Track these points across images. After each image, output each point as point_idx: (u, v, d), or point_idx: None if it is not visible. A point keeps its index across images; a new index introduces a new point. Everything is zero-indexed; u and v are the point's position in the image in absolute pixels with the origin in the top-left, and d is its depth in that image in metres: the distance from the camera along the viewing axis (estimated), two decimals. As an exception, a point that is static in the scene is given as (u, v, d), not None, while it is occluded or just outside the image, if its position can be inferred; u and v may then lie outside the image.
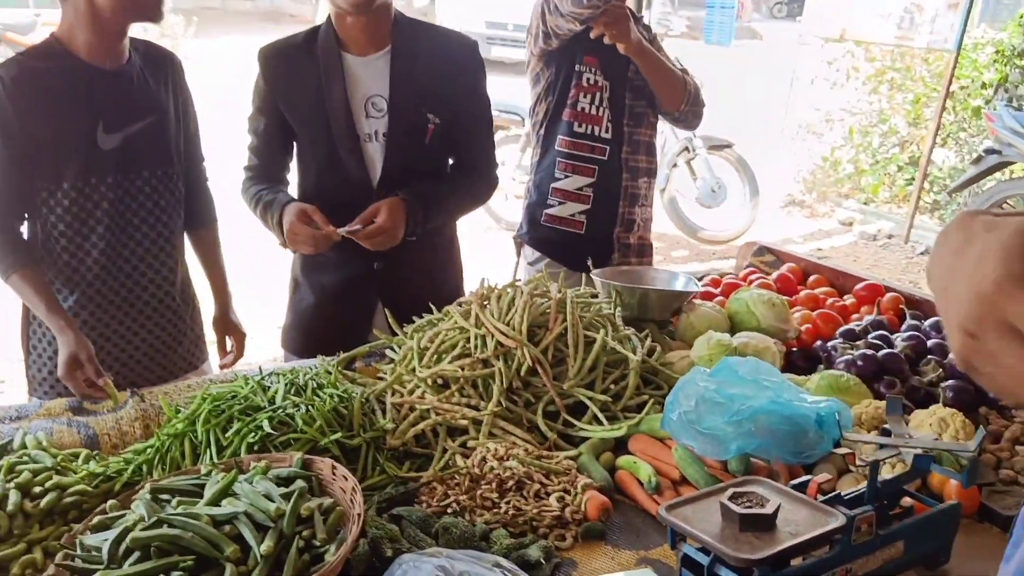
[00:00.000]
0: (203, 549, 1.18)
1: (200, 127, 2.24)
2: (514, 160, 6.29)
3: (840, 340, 2.00)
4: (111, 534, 1.21)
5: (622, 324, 1.94)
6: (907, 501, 1.35)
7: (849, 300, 2.31)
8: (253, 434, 1.51)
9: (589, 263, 2.24)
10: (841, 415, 1.52)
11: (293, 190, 2.28)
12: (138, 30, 2.03)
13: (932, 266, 0.67)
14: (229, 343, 2.35)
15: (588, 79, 2.59)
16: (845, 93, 7.81)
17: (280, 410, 1.57)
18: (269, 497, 1.28)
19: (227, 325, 2.32)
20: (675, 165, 6.21)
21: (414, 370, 1.80)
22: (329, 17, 2.14)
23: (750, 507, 1.19)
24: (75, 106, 1.90)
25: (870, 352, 1.89)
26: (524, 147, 6.11)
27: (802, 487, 1.30)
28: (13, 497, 1.35)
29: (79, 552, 1.22)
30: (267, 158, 2.24)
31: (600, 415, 1.72)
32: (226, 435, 1.51)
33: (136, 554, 1.18)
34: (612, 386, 1.80)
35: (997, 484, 1.57)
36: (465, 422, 1.69)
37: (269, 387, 1.67)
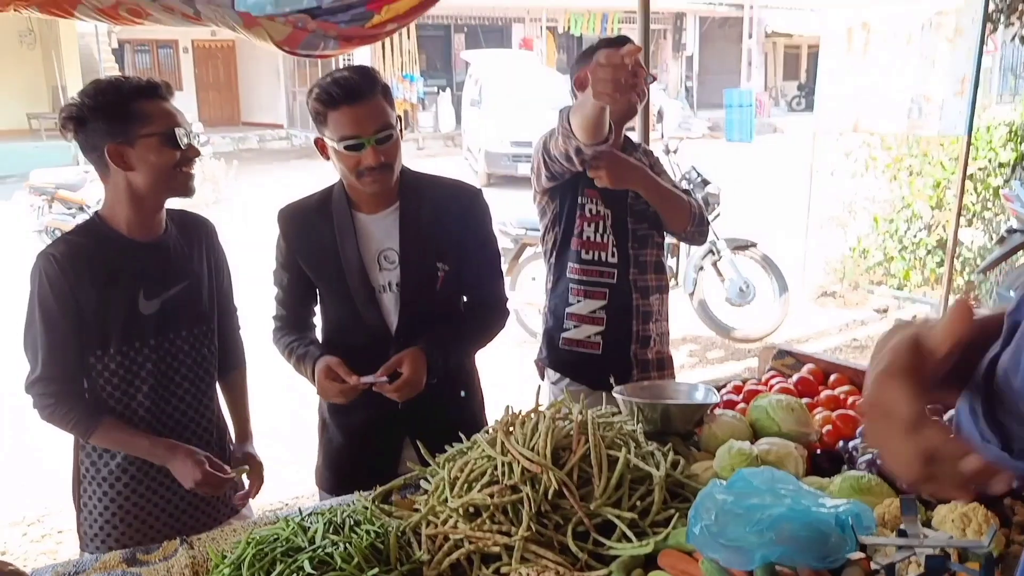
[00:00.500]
0: None
1: (234, 275, 2.41)
2: (543, 275, 6.42)
3: (860, 440, 2.04)
4: None
5: (644, 440, 2.01)
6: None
7: (870, 398, 2.35)
8: (295, 575, 1.59)
9: (612, 381, 2.32)
10: (861, 517, 1.56)
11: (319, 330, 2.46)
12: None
13: None
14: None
15: (590, 209, 2.73)
16: (865, 182, 7.92)
17: (320, 549, 1.66)
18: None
19: (246, 456, 2.39)
20: (701, 268, 6.32)
21: (446, 500, 1.88)
22: (341, 180, 2.33)
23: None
24: (118, 278, 2.08)
25: (889, 451, 1.92)
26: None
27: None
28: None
29: None
30: (292, 309, 2.43)
31: (628, 532, 1.77)
32: (270, 578, 1.59)
33: None
34: (639, 502, 1.86)
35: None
36: (498, 548, 1.76)
37: (309, 527, 1.76)
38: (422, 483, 2.07)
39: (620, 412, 2.16)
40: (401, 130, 2.26)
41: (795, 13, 26.57)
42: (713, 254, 6.28)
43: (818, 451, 2.13)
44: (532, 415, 1.98)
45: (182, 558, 1.82)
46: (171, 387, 2.17)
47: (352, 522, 1.78)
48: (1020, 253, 5.61)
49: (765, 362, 2.77)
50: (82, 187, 11.75)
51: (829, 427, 2.18)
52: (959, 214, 6.22)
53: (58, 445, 4.70)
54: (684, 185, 5.92)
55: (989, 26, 6.29)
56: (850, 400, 2.34)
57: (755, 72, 25.55)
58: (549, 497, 1.81)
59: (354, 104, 2.14)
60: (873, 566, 1.55)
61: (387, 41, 18.43)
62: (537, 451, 1.86)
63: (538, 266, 6.47)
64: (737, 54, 26.00)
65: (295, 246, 2.35)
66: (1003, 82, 21.46)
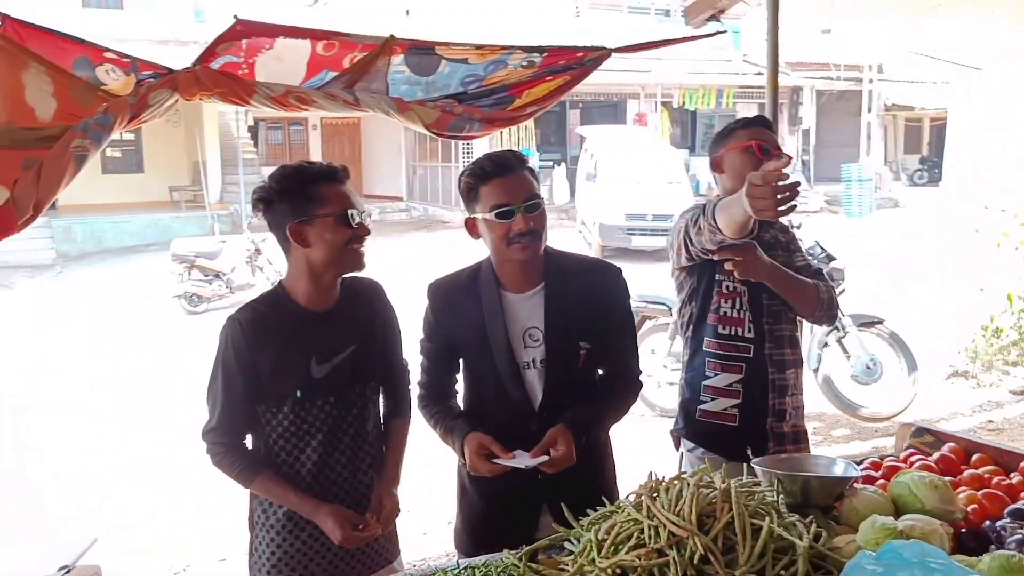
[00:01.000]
0: None
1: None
2: (663, 348, 6.47)
3: (1009, 520, 2.03)
4: None
5: (786, 511, 2.04)
6: None
7: (1016, 478, 2.32)
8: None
9: (748, 452, 2.36)
10: (1015, 596, 1.56)
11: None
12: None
13: None
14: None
15: (727, 286, 2.80)
16: (998, 258, 7.68)
17: (477, 602, 1.76)
18: None
19: (387, 494, 2.44)
20: (826, 344, 6.23)
21: (593, 560, 1.96)
22: (489, 259, 2.47)
23: None
24: (294, 344, 2.29)
25: (1041, 531, 1.91)
26: (673, 335, 6.30)
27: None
28: None
29: None
30: (437, 378, 2.56)
31: (773, 601, 1.81)
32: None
33: None
34: (782, 572, 1.89)
35: None
36: (645, 610, 1.82)
37: (466, 580, 1.87)
38: (566, 544, 2.16)
39: (760, 483, 2.20)
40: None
41: (917, 86, 26.08)
42: (838, 330, 6.20)
43: (963, 530, 2.11)
44: (676, 482, 2.05)
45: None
46: (335, 442, 2.35)
47: (506, 577, 1.88)
48: None
49: (903, 440, 2.75)
50: (218, 256, 12.50)
51: (975, 506, 2.16)
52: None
53: (198, 504, 4.97)
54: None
55: None
56: (995, 480, 2.32)
57: (874, 145, 25.08)
58: (695, 562, 1.87)
59: (504, 176, 2.31)
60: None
61: (505, 117, 19.03)
62: (683, 516, 1.92)
63: (657, 339, 6.52)
64: (855, 127, 25.60)
65: (444, 320, 2.49)
66: None
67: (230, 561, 4.48)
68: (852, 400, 6.32)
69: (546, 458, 2.26)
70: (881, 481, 2.34)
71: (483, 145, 20.87)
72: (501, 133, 20.98)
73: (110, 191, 21.07)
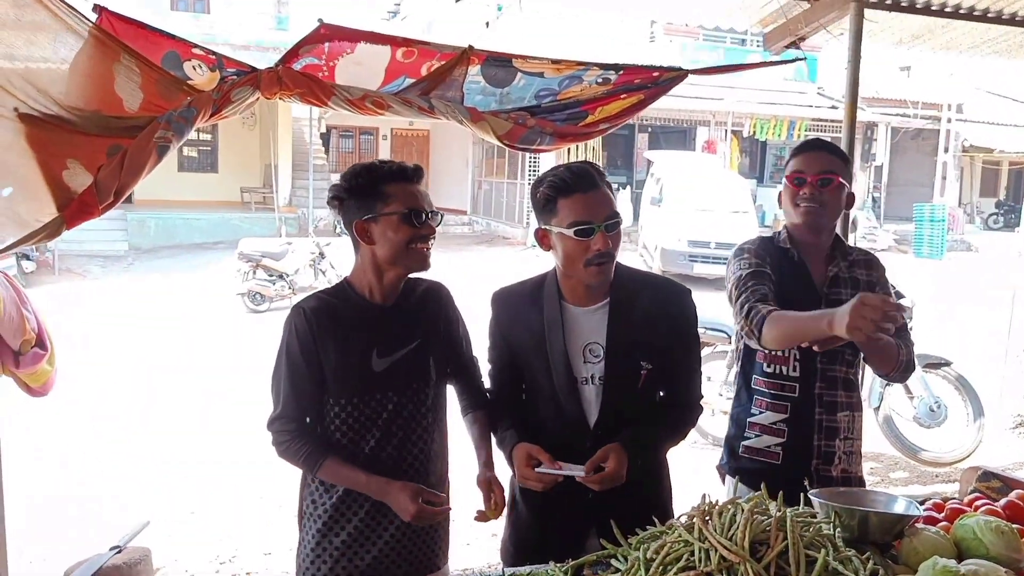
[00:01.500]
0: None
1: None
2: (720, 376, 6.39)
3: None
4: None
5: (842, 545, 1.99)
6: None
7: (1087, 531, 2.23)
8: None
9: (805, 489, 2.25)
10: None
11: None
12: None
13: None
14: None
15: None
16: (1075, 309, 7.43)
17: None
18: None
19: (491, 480, 2.40)
20: (888, 383, 6.08)
21: (641, 580, 1.93)
22: (555, 271, 2.44)
23: None
24: (356, 336, 2.32)
25: (1112, 587, 1.83)
26: (730, 364, 6.22)
27: None
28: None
29: None
30: (501, 386, 2.55)
31: (825, 635, 1.76)
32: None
33: None
34: (835, 607, 1.84)
35: None
36: (691, 633, 1.79)
37: (512, 587, 1.86)
38: (613, 562, 2.13)
39: (817, 514, 2.15)
40: None
41: (997, 128, 25.47)
42: (903, 370, 6.04)
43: (1028, 580, 2.03)
44: (730, 506, 2.02)
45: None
46: (390, 438, 2.35)
47: (553, 588, 1.86)
48: None
49: (968, 483, 2.68)
50: (284, 257, 12.72)
51: (1042, 556, 2.08)
52: None
53: (253, 499, 5.05)
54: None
55: None
56: (1065, 532, 2.22)
57: (949, 186, 24.51)
58: (745, 589, 1.83)
59: (586, 191, 2.24)
60: None
61: (573, 137, 19.06)
62: (735, 541, 1.89)
63: (715, 366, 6.43)
64: (930, 167, 25.07)
65: (505, 329, 2.49)
66: None
67: (275, 555, 4.54)
68: (913, 443, 6.14)
69: (583, 472, 2.23)
70: (943, 523, 2.27)
71: (550, 162, 20.92)
72: (568, 151, 20.99)
73: (185, 188, 21.66)
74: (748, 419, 2.81)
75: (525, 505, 2.53)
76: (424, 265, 2.35)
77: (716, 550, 1.88)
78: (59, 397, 3.53)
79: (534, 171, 21.25)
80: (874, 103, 23.14)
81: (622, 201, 21.53)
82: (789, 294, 2.71)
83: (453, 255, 17.24)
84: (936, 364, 6.16)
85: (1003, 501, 2.43)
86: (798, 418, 2.73)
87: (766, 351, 2.73)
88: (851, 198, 2.74)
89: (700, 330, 6.20)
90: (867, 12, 4.12)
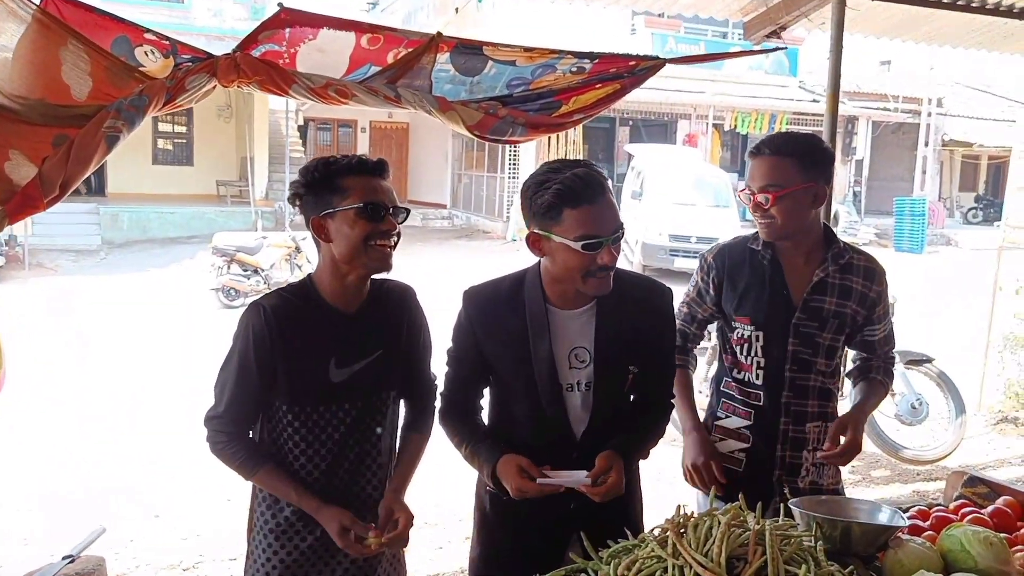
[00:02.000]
0: None
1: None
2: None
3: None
4: None
5: (824, 559, 1.89)
6: None
7: (1078, 540, 2.14)
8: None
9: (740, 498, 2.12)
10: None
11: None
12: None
13: None
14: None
15: (740, 333, 2.64)
16: (1057, 304, 7.39)
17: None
18: None
19: (396, 504, 2.26)
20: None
21: (611, 598, 1.82)
22: (538, 271, 2.27)
23: None
24: (314, 343, 2.17)
25: (1108, 604, 1.73)
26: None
27: None
28: None
29: None
30: (462, 393, 2.40)
31: (805, 658, 1.66)
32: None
33: None
34: (817, 627, 1.74)
35: None
36: (664, 657, 1.67)
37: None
38: (583, 576, 2.02)
39: (796, 526, 2.04)
40: None
41: (977, 122, 25.56)
42: (884, 366, 5.96)
43: (1018, 594, 1.94)
44: (706, 518, 1.91)
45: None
46: (347, 452, 2.22)
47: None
48: None
49: (953, 488, 2.58)
50: (258, 251, 12.55)
51: (1033, 568, 1.98)
52: None
53: (220, 500, 4.92)
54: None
55: None
56: (1056, 541, 2.13)
57: (929, 180, 24.59)
58: (721, 608, 1.72)
59: (594, 202, 2.08)
60: None
61: (553, 131, 18.98)
62: (711, 558, 1.78)
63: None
64: (910, 161, 25.12)
65: (480, 331, 2.29)
66: None
67: (241, 561, 4.39)
68: (894, 440, 6.06)
69: (589, 480, 2.12)
70: (929, 532, 2.17)
71: (530, 156, 20.85)
72: (548, 145, 20.88)
73: (159, 182, 21.39)
74: (715, 422, 2.73)
75: (497, 521, 2.39)
76: (384, 265, 2.19)
77: (691, 567, 1.78)
78: (18, 395, 3.37)
79: (514, 165, 21.14)
80: (855, 97, 23.16)
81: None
82: (758, 301, 2.60)
83: (433, 249, 17.12)
84: (918, 361, 6.09)
85: (990, 508, 2.34)
86: (761, 427, 2.63)
87: (732, 355, 2.67)
88: (821, 194, 2.52)
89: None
90: (849, 0, 4.01)
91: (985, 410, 7.11)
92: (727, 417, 2.69)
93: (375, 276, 2.27)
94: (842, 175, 23.60)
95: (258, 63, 2.84)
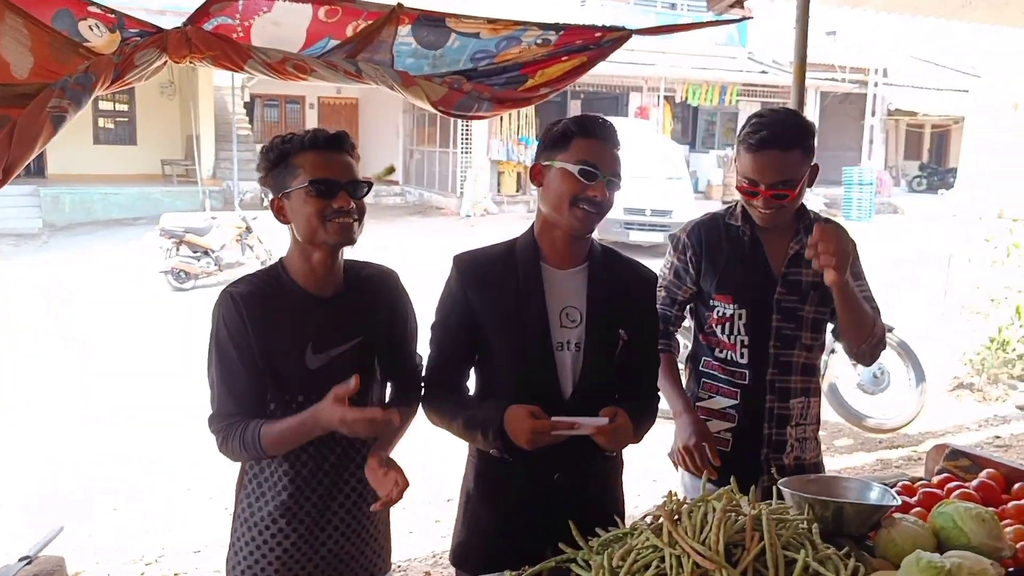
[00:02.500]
0: None
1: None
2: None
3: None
4: None
5: (820, 542, 1.84)
6: None
7: (1065, 512, 2.13)
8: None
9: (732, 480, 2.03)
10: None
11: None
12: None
13: None
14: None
15: (720, 312, 2.57)
16: (1008, 270, 7.51)
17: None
18: None
19: (388, 461, 2.11)
20: (833, 351, 6.03)
21: (606, 590, 1.76)
22: (532, 230, 2.27)
23: None
24: (288, 327, 2.07)
25: (1107, 578, 1.72)
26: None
27: None
28: None
29: None
30: (450, 367, 2.31)
31: (808, 645, 1.62)
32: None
33: None
34: (816, 612, 1.70)
35: None
36: (665, 650, 1.62)
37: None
38: (573, 567, 1.96)
39: (790, 509, 2.00)
40: None
41: (921, 92, 25.96)
42: (846, 336, 6.00)
43: (1010, 569, 1.92)
44: (701, 504, 1.85)
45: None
46: (331, 442, 2.12)
47: (510, 607, 1.67)
48: None
49: (935, 462, 2.57)
50: (208, 232, 12.25)
51: (1024, 543, 1.97)
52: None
53: (180, 490, 4.78)
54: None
55: None
56: (1043, 514, 2.12)
57: (876, 150, 24.94)
58: (720, 598, 1.67)
59: (605, 142, 2.17)
60: None
61: (506, 105, 18.86)
62: (709, 545, 1.72)
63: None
64: (857, 130, 25.45)
65: (472, 292, 2.23)
66: None
67: (205, 553, 4.28)
68: (857, 410, 6.13)
69: (606, 420, 2.06)
70: (918, 509, 2.15)
71: (483, 131, 20.68)
72: (501, 120, 20.75)
73: (101, 162, 20.78)
74: (697, 403, 2.66)
75: (482, 497, 2.31)
76: (346, 237, 2.07)
77: (689, 556, 1.72)
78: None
79: (466, 140, 20.95)
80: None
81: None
82: (740, 278, 2.56)
83: (386, 227, 16.89)
84: (878, 330, 6.13)
85: (975, 482, 2.33)
86: (748, 405, 2.58)
87: (711, 335, 2.60)
88: (815, 172, 2.51)
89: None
90: (813, -31, 3.96)
91: (942, 376, 7.21)
92: (710, 397, 2.63)
93: (353, 260, 2.18)
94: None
95: (211, 37, 2.71)
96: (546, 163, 2.19)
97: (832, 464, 5.64)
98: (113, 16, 2.64)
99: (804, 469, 2.62)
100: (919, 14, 5.28)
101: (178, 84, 21.49)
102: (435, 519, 4.65)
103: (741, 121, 25.69)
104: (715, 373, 2.62)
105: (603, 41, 3.27)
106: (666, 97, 22.85)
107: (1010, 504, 2.18)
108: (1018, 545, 1.97)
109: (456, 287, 2.25)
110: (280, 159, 2.07)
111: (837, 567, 1.78)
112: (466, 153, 20.90)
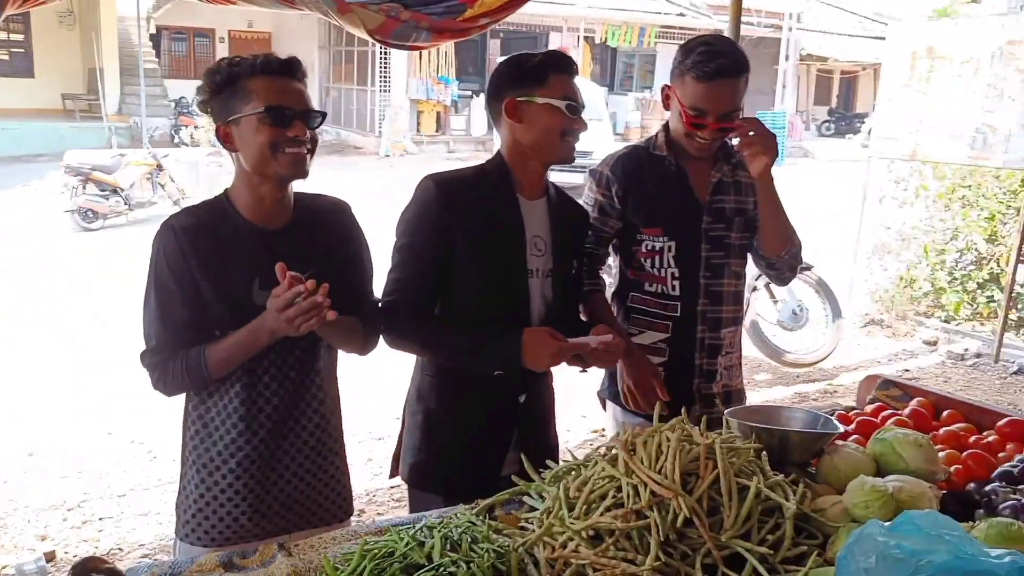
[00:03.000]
0: None
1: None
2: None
3: (1000, 484, 1.92)
4: None
5: (770, 471, 1.89)
6: None
7: (991, 437, 2.23)
8: (419, 594, 1.48)
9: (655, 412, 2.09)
10: (1024, 570, 1.44)
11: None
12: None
13: None
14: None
15: (648, 245, 2.57)
16: (916, 211, 7.78)
17: (442, 568, 1.55)
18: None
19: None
20: (755, 289, 6.18)
21: (563, 519, 1.77)
22: (501, 157, 2.28)
23: None
24: (234, 261, 1.98)
25: (1038, 497, 1.80)
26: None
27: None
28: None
29: None
30: (421, 292, 2.24)
31: (761, 568, 1.66)
32: (393, 596, 1.48)
33: None
34: (768, 536, 1.74)
35: None
36: (623, 577, 1.64)
37: (424, 542, 1.65)
38: (526, 499, 1.96)
39: (739, 437, 2.04)
40: None
41: (832, 37, 26.42)
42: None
43: (944, 491, 2.00)
44: (654, 435, 1.87)
45: (282, 566, 1.72)
46: (277, 379, 2.05)
47: (470, 539, 1.67)
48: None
49: (866, 391, 2.65)
50: (116, 170, 11.76)
51: (958, 467, 2.05)
52: (1020, 249, 6.08)
53: (101, 434, 4.61)
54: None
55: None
56: (972, 439, 2.22)
57: (788, 94, 25.39)
58: (677, 525, 1.70)
59: (573, 74, 2.28)
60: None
61: (425, 42, 18.45)
62: (665, 474, 1.74)
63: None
64: (771, 75, 25.80)
65: (451, 216, 2.19)
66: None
67: (131, 497, 4.18)
68: (777, 345, 6.31)
69: (611, 338, 2.22)
70: (857, 436, 2.22)
71: (402, 69, 20.25)
72: (420, 58, 20.34)
73: (-4, 95, 19.64)
74: None
75: (446, 415, 2.31)
76: (299, 171, 1.99)
77: (646, 485, 1.74)
78: None
79: (385, 77, 20.50)
80: (719, 11, 23.45)
81: (476, 109, 21.18)
82: (668, 210, 2.55)
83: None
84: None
85: (908, 410, 2.41)
86: (679, 337, 2.59)
87: (639, 269, 2.60)
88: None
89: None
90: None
91: (854, 313, 7.47)
92: (640, 333, 2.62)
93: (303, 191, 2.09)
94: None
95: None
96: (524, 99, 2.21)
97: (753, 398, 5.80)
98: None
99: (731, 396, 2.70)
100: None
101: (77, 13, 20.36)
102: (386, 455, 4.64)
103: (659, 64, 25.71)
104: (645, 308, 2.62)
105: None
106: (585, 38, 22.73)
107: (941, 430, 2.27)
108: (951, 468, 2.05)
109: (435, 208, 2.20)
110: (228, 82, 1.95)
111: (786, 492, 1.83)
112: (385, 92, 20.47)
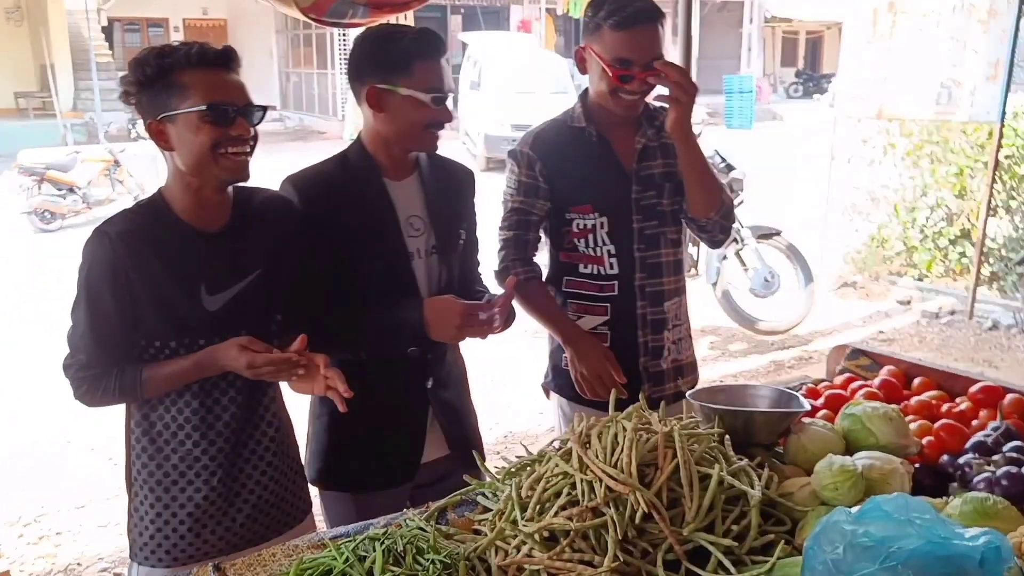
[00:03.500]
0: None
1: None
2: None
3: (973, 455, 1.83)
4: None
5: (734, 455, 1.79)
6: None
7: (964, 404, 2.14)
8: (357, 617, 1.36)
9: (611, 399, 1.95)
10: (1000, 550, 1.35)
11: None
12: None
13: None
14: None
15: (579, 224, 2.42)
16: (884, 170, 7.72)
17: (382, 585, 1.44)
18: None
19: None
20: (724, 257, 6.09)
21: (515, 522, 1.66)
22: (361, 143, 2.20)
23: None
24: (177, 267, 1.85)
25: (1014, 469, 1.71)
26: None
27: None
28: None
29: None
30: (337, 293, 2.15)
31: (726, 562, 1.56)
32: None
33: None
34: (733, 527, 1.64)
35: None
36: (581, 581, 1.54)
37: (365, 556, 1.54)
38: (480, 499, 1.86)
39: (699, 421, 1.94)
40: None
41: (796, -1, 26.35)
42: (737, 243, 6.05)
43: (916, 465, 1.91)
44: (609, 425, 1.76)
45: (215, 588, 1.60)
46: (235, 384, 1.93)
47: (415, 549, 1.55)
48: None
49: (835, 362, 2.55)
50: (72, 168, 11.51)
51: (930, 438, 1.96)
52: (989, 203, 6.03)
53: (58, 443, 4.46)
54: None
55: (1024, 8, 6.06)
56: (944, 407, 2.13)
57: (754, 58, 25.30)
58: (636, 521, 1.60)
59: (441, 59, 2.12)
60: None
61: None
62: (621, 468, 1.64)
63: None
64: (736, 39, 25.74)
65: (324, 218, 2.09)
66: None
67: (90, 508, 4.04)
68: (750, 313, 6.23)
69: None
70: (825, 412, 2.12)
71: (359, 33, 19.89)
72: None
73: (-56, 95, 19.19)
74: None
75: (352, 415, 2.01)
76: (240, 174, 1.85)
77: (601, 481, 1.63)
78: None
79: (346, 60, 20.19)
80: (681, -24, 23.31)
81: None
82: (596, 183, 2.41)
83: (266, 156, 16.17)
84: (768, 234, 6.21)
85: (877, 380, 2.32)
86: (620, 317, 2.47)
87: (572, 251, 2.45)
88: None
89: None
90: None
91: (826, 277, 7.41)
92: (580, 318, 2.48)
93: (243, 187, 1.95)
94: (672, 56, 23.88)
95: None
96: (386, 87, 2.07)
97: (728, 368, 5.75)
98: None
99: (683, 369, 2.59)
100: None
101: (25, 9, 19.89)
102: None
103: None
104: (581, 292, 2.48)
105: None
106: (548, 10, 22.50)
107: (912, 400, 2.18)
108: (924, 440, 1.96)
109: (305, 211, 2.09)
110: (159, 75, 1.79)
111: (751, 478, 1.73)
112: (346, 74, 20.20)
